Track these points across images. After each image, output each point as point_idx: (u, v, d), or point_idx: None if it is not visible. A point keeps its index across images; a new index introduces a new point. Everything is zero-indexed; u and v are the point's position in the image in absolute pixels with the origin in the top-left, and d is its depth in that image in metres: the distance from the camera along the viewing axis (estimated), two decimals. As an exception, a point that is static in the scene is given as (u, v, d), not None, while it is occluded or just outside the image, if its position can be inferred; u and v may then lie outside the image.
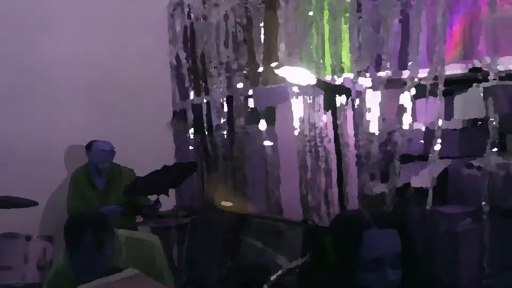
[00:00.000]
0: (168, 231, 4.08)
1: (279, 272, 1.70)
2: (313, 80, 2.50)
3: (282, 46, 3.66)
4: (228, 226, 4.04)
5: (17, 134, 4.19)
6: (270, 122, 3.94)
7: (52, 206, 4.26)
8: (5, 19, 4.20)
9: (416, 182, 2.81)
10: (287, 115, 3.65)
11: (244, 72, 4.15)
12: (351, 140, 3.23)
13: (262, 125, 3.97)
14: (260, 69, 3.97)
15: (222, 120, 4.38)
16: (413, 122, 2.97)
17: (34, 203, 3.65)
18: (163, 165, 3.73)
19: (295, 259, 2.18)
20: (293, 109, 3.60)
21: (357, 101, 3.16)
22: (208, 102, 4.51)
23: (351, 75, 3.24)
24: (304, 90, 3.44)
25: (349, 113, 3.24)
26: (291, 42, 3.64)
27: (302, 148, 3.53)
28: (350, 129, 3.25)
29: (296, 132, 3.58)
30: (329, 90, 2.49)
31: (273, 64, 2.95)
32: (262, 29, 3.90)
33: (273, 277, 1.68)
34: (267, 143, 3.92)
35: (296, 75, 2.61)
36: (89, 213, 2.43)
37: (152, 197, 4.02)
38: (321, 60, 3.43)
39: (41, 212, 4.20)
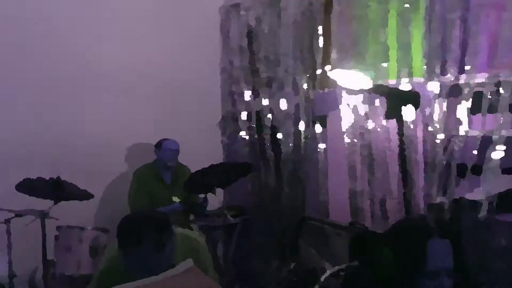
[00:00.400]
0: (215, 230, 4.15)
1: (327, 273, 1.68)
2: (368, 85, 2.45)
3: (336, 49, 3.65)
4: (285, 228, 4.08)
5: (78, 130, 4.34)
6: (323, 125, 3.94)
7: (108, 201, 4.41)
8: (70, 23, 4.36)
9: (472, 196, 2.74)
10: (338, 119, 3.64)
11: (303, 76, 4.15)
12: (415, 147, 3.17)
13: (318, 128, 3.98)
14: (318, 72, 3.95)
15: (279, 123, 4.42)
16: (468, 129, 2.90)
17: (90, 196, 3.81)
18: (216, 164, 3.83)
19: (341, 262, 2.18)
20: (343, 114, 3.58)
21: (425, 106, 3.11)
22: (266, 106, 4.56)
23: (420, 79, 3.18)
24: (357, 94, 3.39)
25: (417, 119, 3.18)
26: (347, 45, 3.62)
27: (353, 153, 3.51)
28: (415, 135, 3.18)
29: (347, 137, 3.54)
30: (393, 96, 2.39)
31: (327, 67, 2.92)
32: (320, 32, 3.89)
33: (322, 278, 1.67)
34: (321, 145, 3.92)
35: (349, 78, 2.56)
36: (148, 213, 2.24)
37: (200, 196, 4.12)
38: (383, 64, 3.38)
39: (96, 206, 4.36)
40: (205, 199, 4.08)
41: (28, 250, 3.74)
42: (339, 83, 2.74)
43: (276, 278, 4.05)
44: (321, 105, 3.93)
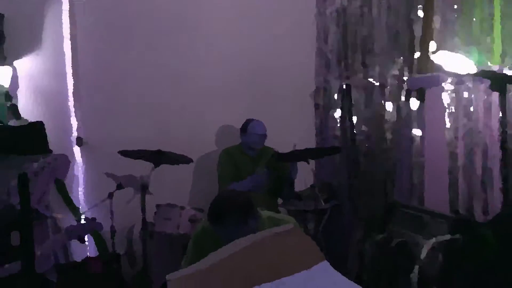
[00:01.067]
0: (305, 213, 4.16)
1: (430, 242, 1.69)
2: (473, 69, 2.38)
3: (440, 31, 3.49)
4: (372, 213, 4.08)
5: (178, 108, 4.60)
6: (421, 100, 3.84)
7: (200, 179, 4.63)
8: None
9: None
10: (439, 104, 3.52)
11: (399, 58, 4.07)
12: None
13: (413, 103, 3.89)
14: (417, 55, 3.83)
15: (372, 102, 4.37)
16: None
17: (190, 160, 4.02)
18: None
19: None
20: (445, 98, 3.45)
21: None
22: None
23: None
24: (461, 79, 3.26)
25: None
26: (451, 27, 3.46)
27: (453, 140, 3.40)
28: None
29: (447, 122, 3.43)
30: (498, 79, 2.29)
31: (431, 49, 2.83)
32: (420, 12, 3.75)
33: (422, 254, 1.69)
34: (416, 131, 3.83)
35: (454, 62, 2.49)
36: (235, 194, 2.50)
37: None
38: (487, 46, 3.13)
39: (190, 185, 4.65)
40: (294, 168, 4.04)
41: (128, 210, 4.04)
42: (443, 67, 2.66)
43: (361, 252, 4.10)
44: (418, 82, 3.82)
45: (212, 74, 4.68)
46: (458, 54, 2.58)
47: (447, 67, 2.64)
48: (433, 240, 1.66)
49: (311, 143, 4.86)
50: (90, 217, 3.75)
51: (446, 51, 2.59)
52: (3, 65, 4.22)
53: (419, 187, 3.81)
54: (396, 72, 4.08)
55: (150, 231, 3.84)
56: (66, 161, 3.65)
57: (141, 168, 3.87)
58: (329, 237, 4.38)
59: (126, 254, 4.38)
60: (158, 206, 4.00)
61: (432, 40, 3.48)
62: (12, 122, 3.95)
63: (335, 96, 4.73)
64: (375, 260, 2.87)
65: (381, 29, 4.23)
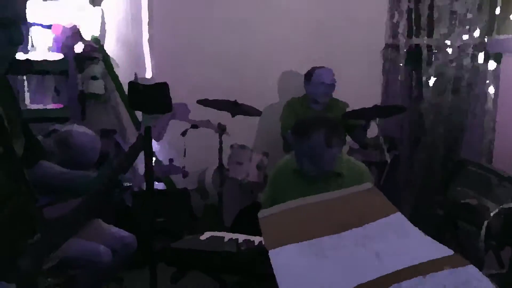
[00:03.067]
0: (369, 164, 4.24)
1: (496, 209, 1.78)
2: None
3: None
4: (434, 167, 4.12)
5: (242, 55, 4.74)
6: (498, 61, 3.78)
7: (264, 128, 4.82)
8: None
9: None
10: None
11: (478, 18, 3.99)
12: None
13: (491, 64, 3.84)
14: (497, 11, 3.75)
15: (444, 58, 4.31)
16: None
17: (259, 112, 4.18)
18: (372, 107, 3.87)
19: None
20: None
21: None
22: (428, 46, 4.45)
23: None
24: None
25: None
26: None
27: None
28: None
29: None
30: None
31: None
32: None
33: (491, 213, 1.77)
34: (491, 89, 3.79)
35: None
36: (322, 116, 2.74)
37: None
38: None
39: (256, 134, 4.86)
40: (367, 123, 3.99)
41: (202, 155, 4.33)
42: None
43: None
44: (497, 45, 3.76)
45: (283, 25, 4.77)
46: None
47: None
48: (500, 207, 1.74)
49: (378, 100, 4.88)
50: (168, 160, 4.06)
51: None
52: (95, 6, 4.48)
53: (488, 146, 3.80)
54: (475, 33, 4.01)
55: (223, 174, 4.08)
56: (185, 108, 3.92)
57: (212, 115, 4.11)
58: (388, 190, 4.47)
59: (197, 190, 4.68)
60: (232, 146, 4.21)
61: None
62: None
63: (404, 54, 4.69)
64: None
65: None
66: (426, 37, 4.50)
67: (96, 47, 4.46)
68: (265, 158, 4.17)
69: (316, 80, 4.04)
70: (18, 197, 1.47)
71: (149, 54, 4.75)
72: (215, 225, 3.98)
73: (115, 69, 4.61)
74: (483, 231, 1.76)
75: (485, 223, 2.27)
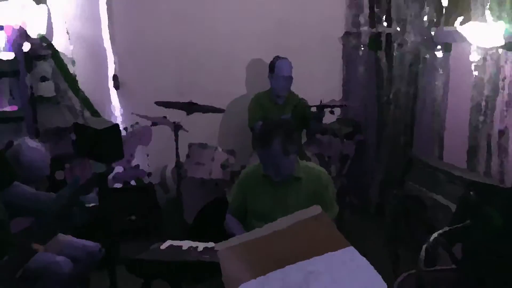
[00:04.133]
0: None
1: (436, 234, 1.88)
2: (500, 41, 2.42)
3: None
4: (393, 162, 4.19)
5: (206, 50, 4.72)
6: (448, 50, 3.84)
7: (231, 122, 4.81)
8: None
9: None
10: (466, 50, 3.49)
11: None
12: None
13: (439, 53, 3.93)
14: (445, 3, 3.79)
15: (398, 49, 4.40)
16: None
17: (220, 110, 4.19)
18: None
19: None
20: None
21: None
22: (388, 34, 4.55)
23: None
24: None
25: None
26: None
27: (479, 86, 3.43)
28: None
29: (474, 69, 3.43)
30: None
31: (459, 19, 2.83)
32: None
33: (433, 237, 1.88)
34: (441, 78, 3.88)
35: (480, 34, 2.52)
36: (279, 121, 2.89)
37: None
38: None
39: (220, 128, 4.85)
40: (321, 112, 4.10)
41: (164, 151, 4.32)
42: (468, 39, 2.69)
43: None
44: (445, 35, 3.84)
45: (244, 17, 4.78)
46: (485, 26, 2.59)
47: (473, 40, 2.66)
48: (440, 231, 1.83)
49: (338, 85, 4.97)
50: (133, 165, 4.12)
51: (473, 22, 2.60)
52: (39, 4, 4.33)
53: (438, 140, 3.92)
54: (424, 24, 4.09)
55: (180, 173, 4.07)
56: (149, 131, 4.16)
57: (175, 113, 4.08)
58: (352, 176, 4.59)
59: (160, 184, 4.72)
60: (190, 145, 4.21)
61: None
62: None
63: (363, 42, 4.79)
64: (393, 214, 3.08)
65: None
66: (385, 27, 4.60)
67: (43, 45, 4.34)
68: (231, 158, 4.19)
69: (277, 73, 4.29)
70: None
71: (111, 51, 4.66)
72: (177, 221, 4.04)
73: (71, 67, 4.50)
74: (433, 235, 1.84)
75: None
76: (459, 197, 2.09)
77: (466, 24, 2.60)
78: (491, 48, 2.88)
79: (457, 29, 3.11)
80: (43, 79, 4.36)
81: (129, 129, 4.26)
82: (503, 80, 3.13)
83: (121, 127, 4.47)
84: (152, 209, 4.34)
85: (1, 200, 1.59)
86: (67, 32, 4.47)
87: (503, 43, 2.47)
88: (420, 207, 2.73)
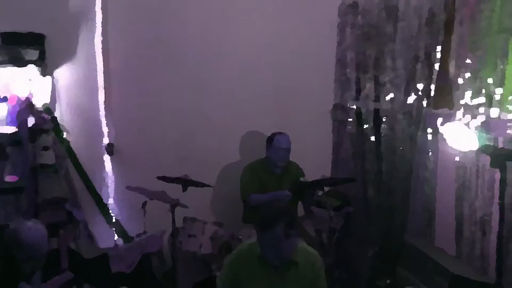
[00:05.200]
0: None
1: None
2: (475, 146, 2.56)
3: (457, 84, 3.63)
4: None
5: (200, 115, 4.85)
6: (435, 134, 3.97)
7: (222, 194, 4.88)
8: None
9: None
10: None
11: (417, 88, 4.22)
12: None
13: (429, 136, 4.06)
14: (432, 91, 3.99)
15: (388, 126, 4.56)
16: None
17: (210, 186, 4.31)
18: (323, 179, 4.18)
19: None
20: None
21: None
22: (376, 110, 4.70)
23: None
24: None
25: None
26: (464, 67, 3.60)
27: (463, 176, 3.57)
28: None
29: (458, 157, 3.58)
30: (499, 156, 2.47)
31: (446, 108, 2.96)
32: (438, 54, 3.91)
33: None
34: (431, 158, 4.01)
35: (458, 137, 2.65)
36: (281, 207, 2.87)
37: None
38: (497, 95, 3.30)
39: (211, 199, 4.92)
40: (314, 192, 4.24)
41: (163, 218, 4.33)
42: (447, 141, 2.85)
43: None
44: (433, 119, 4.00)
45: (237, 86, 4.94)
46: (462, 129, 2.76)
47: (451, 142, 2.83)
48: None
49: (327, 160, 5.13)
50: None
51: (450, 124, 2.77)
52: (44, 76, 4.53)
53: (430, 224, 4.01)
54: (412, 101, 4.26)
55: (176, 245, 4.13)
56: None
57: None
58: (342, 249, 4.60)
59: (157, 254, 4.75)
60: (184, 219, 4.31)
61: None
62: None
63: (351, 116, 4.95)
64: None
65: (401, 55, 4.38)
66: (372, 102, 4.76)
67: (47, 118, 4.51)
68: (220, 230, 4.26)
69: (276, 145, 4.38)
70: None
71: (105, 121, 4.80)
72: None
73: (66, 135, 4.65)
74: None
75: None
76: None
77: (445, 125, 2.76)
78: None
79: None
80: (45, 148, 4.50)
81: (135, 239, 4.30)
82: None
83: (111, 196, 4.77)
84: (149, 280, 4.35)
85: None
86: (66, 103, 4.66)
87: (477, 147, 2.62)
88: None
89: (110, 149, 4.80)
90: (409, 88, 4.33)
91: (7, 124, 4.34)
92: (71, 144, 4.67)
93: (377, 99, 4.70)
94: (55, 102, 4.67)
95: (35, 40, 4.41)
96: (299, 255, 2.73)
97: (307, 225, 4.45)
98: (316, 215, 4.51)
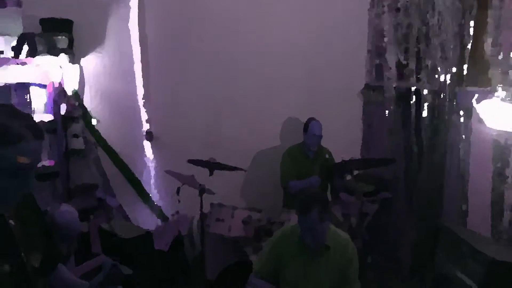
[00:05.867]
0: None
1: None
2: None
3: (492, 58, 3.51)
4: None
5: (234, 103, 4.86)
6: (468, 116, 3.86)
7: (255, 180, 4.88)
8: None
9: None
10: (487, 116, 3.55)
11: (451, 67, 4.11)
12: None
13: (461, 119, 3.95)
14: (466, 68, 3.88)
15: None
16: None
17: (241, 169, 4.24)
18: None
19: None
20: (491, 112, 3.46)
21: None
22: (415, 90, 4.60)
23: None
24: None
25: None
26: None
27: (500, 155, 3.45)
28: None
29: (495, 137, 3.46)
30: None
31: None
32: (472, 30, 3.77)
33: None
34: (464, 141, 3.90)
35: (497, 116, 2.54)
36: (317, 193, 3.00)
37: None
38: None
39: (242, 185, 4.91)
40: (345, 174, 4.36)
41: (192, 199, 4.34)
42: (483, 119, 2.73)
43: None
44: (465, 98, 3.88)
45: (270, 71, 4.89)
46: (500, 106, 2.62)
47: (488, 121, 2.70)
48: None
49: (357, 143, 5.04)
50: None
51: (486, 102, 2.64)
52: (73, 64, 4.60)
53: (464, 206, 3.91)
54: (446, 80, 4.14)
55: (205, 227, 4.16)
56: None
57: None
58: (377, 232, 4.53)
59: (187, 236, 4.76)
60: (211, 205, 4.28)
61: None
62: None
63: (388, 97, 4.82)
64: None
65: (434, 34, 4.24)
66: (412, 81, 4.64)
67: (76, 105, 4.59)
68: (254, 214, 4.21)
69: (310, 131, 4.60)
70: None
71: (142, 107, 4.83)
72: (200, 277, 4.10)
73: (96, 123, 4.73)
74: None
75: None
76: (480, 281, 2.09)
77: (482, 102, 2.63)
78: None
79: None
80: (75, 136, 4.64)
81: (170, 219, 4.41)
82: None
83: (152, 180, 4.86)
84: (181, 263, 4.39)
85: (47, 283, 1.65)
86: (95, 90, 4.71)
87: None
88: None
89: (149, 135, 4.86)
90: (444, 66, 4.22)
91: (46, 112, 4.47)
92: (103, 131, 4.73)
93: (411, 78, 4.61)
94: (83, 90, 4.73)
95: (66, 27, 4.45)
96: (331, 239, 2.84)
97: (336, 210, 4.36)
98: (344, 201, 4.45)
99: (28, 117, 1.44)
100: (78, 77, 4.66)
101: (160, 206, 4.90)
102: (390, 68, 4.78)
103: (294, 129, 4.79)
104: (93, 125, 4.72)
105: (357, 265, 2.85)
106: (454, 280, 2.72)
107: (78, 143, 4.64)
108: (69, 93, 4.57)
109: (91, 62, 4.70)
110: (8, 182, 1.42)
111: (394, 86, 4.78)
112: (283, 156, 4.66)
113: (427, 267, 3.15)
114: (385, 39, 4.79)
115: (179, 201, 4.12)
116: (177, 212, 4.36)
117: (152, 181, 4.89)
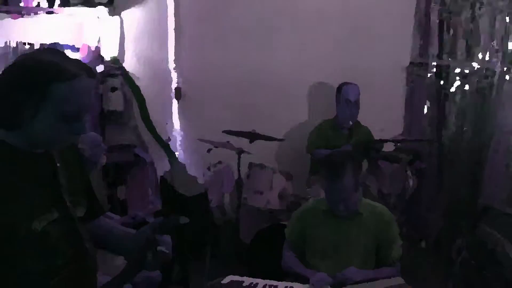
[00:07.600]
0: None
1: None
2: None
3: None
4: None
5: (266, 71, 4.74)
6: None
7: (289, 149, 4.74)
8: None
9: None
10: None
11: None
12: None
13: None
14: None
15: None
16: None
17: (280, 139, 4.22)
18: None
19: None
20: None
21: None
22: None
23: None
24: None
25: None
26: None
27: None
28: None
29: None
30: None
31: None
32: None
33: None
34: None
35: None
36: (348, 153, 2.95)
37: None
38: None
39: (278, 149, 4.79)
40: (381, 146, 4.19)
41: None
42: None
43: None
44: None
45: (308, 40, 4.75)
46: None
47: None
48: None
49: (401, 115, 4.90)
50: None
51: None
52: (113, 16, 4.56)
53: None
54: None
55: (243, 199, 4.10)
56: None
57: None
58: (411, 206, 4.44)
59: (218, 207, 4.70)
60: (250, 164, 4.21)
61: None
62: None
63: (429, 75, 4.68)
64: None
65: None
66: (454, 60, 4.52)
67: (115, 67, 4.55)
68: (288, 184, 4.16)
69: (343, 96, 4.19)
70: (75, 265, 1.48)
71: (173, 68, 4.81)
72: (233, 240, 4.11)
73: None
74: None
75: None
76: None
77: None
78: None
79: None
80: (113, 89, 4.55)
81: (212, 169, 4.31)
82: None
83: (178, 144, 4.81)
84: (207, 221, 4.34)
85: (88, 229, 1.61)
86: (134, 52, 4.70)
87: None
88: (494, 260, 2.63)
89: (178, 93, 4.81)
90: (492, 47, 4.10)
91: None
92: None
93: (458, 57, 4.46)
94: (123, 53, 4.71)
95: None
96: (364, 208, 2.77)
97: (371, 181, 4.23)
98: (381, 170, 4.32)
99: (78, 60, 1.47)
100: (119, 37, 4.58)
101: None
102: (435, 46, 4.62)
103: (327, 101, 4.52)
104: (133, 81, 4.66)
105: (397, 228, 2.76)
106: (500, 254, 2.62)
107: (116, 102, 4.53)
108: (108, 57, 4.52)
109: (129, 17, 4.65)
110: (62, 124, 1.42)
111: (437, 64, 4.63)
112: (315, 128, 4.40)
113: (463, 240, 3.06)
114: (432, 16, 4.62)
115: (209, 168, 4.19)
116: (220, 162, 4.30)
117: (182, 146, 4.88)
